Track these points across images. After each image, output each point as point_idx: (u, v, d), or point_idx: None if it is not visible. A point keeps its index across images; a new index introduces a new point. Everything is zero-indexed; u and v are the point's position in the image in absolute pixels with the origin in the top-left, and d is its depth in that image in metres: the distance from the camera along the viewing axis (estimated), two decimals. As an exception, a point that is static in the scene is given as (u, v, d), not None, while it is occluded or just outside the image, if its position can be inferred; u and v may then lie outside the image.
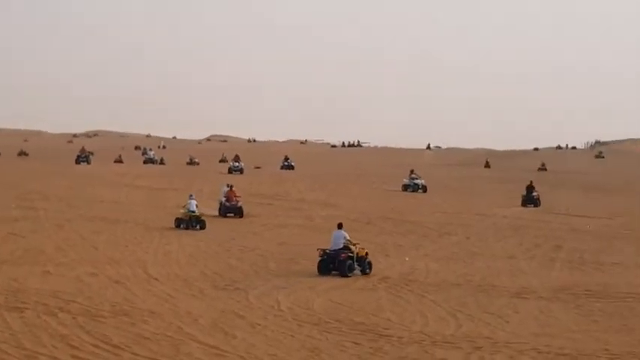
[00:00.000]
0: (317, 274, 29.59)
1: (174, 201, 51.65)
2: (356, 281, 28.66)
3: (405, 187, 67.09)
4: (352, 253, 29.95)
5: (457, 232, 43.71)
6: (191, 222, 41.63)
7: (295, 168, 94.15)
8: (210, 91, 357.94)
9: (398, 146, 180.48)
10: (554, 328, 22.37)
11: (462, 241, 40.62)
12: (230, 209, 47.01)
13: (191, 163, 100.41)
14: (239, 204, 47.40)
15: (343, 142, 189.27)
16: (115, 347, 18.49)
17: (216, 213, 47.07)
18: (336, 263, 29.61)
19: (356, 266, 29.84)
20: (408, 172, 70.97)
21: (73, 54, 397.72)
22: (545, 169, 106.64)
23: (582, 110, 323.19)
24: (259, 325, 21.38)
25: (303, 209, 52.56)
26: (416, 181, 67.52)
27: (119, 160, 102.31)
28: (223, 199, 47.51)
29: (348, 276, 29.05)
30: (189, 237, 38.56)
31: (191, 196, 43.91)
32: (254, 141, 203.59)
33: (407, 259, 34.17)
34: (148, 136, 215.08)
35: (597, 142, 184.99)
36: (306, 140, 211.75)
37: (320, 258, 29.99)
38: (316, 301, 24.62)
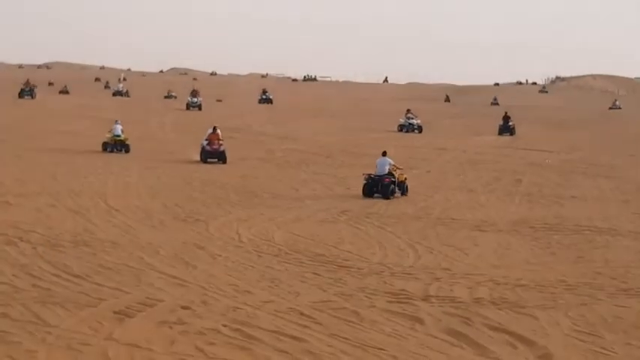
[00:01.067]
0: (361, 196, 32.66)
1: (136, 133, 51.38)
2: (316, 213, 28.78)
3: (401, 127, 64.86)
4: (394, 178, 33.03)
5: (418, 166, 43.91)
6: (116, 146, 44.79)
7: (273, 101, 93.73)
8: (168, 21, 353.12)
9: (357, 81, 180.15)
10: (512, 260, 22.64)
11: (422, 174, 40.84)
12: (211, 154, 42.10)
13: (168, 96, 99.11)
14: (221, 148, 42.27)
15: (304, 76, 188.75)
16: (76, 277, 18.50)
17: (198, 158, 42.51)
18: (380, 187, 32.66)
19: (397, 190, 33.00)
20: (404, 112, 68.54)
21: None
22: (497, 104, 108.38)
23: (546, 47, 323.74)
24: (220, 256, 21.45)
25: (264, 142, 52.52)
26: (411, 121, 65.54)
27: (64, 91, 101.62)
28: (205, 142, 42.52)
29: (389, 198, 32.28)
30: (149, 170, 38.45)
31: (117, 121, 46.51)
32: (215, 74, 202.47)
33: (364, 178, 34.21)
34: (102, 68, 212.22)
35: (558, 78, 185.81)
36: (267, 74, 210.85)
37: (365, 182, 33.10)
38: (277, 233, 24.70)
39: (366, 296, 17.77)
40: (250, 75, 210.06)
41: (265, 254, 21.88)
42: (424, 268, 21.02)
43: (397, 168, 33.80)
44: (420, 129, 64.68)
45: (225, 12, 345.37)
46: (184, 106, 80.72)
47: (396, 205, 31.23)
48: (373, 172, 33.27)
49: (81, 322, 15.28)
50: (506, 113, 68.78)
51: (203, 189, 33.32)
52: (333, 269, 20.37)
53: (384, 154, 34.06)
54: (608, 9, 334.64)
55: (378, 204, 31.20)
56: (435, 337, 15.18)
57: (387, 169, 33.12)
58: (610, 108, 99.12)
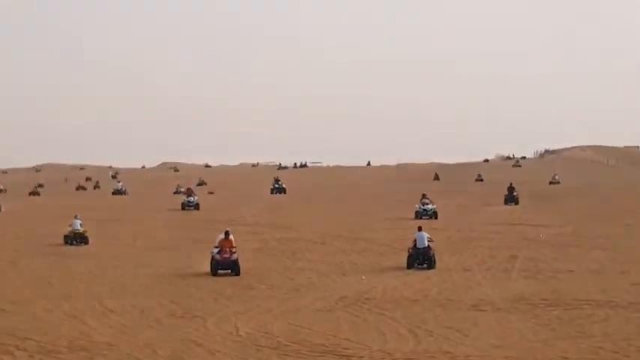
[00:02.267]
0: (405, 268, 35.93)
1: (133, 232, 51.36)
2: (314, 302, 28.65)
3: (417, 214, 59.98)
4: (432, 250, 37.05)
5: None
6: (75, 239, 47.27)
7: (287, 191, 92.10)
8: (151, 117, 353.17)
9: (348, 165, 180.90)
10: (513, 339, 22.51)
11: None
12: (223, 264, 35.52)
13: (177, 192, 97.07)
14: (234, 257, 35.66)
15: (295, 163, 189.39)
16: (73, 383, 18.32)
17: (208, 269, 36.07)
18: (423, 258, 36.53)
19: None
20: (420, 197, 63.92)
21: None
22: (482, 180, 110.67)
23: (531, 121, 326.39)
24: (219, 352, 21.29)
25: (258, 233, 52.45)
26: (426, 207, 60.92)
27: (35, 192, 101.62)
28: (215, 251, 35.95)
29: (434, 268, 36.01)
30: (143, 266, 38.31)
31: (76, 216, 49.09)
32: (210, 167, 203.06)
33: (364, 277, 34.21)
34: (82, 168, 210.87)
35: (547, 151, 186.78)
36: (257, 163, 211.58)
37: (409, 254, 36.83)
38: (275, 325, 24.56)
39: (368, 385, 17.61)
40: (241, 165, 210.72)
41: (264, 347, 21.73)
42: (425, 352, 20.88)
43: (431, 240, 37.55)
44: (434, 215, 59.84)
45: (211, 101, 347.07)
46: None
47: (393, 288, 31.13)
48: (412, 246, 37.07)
49: None
50: (511, 184, 74.45)
51: (198, 284, 33.17)
52: (333, 359, 20.22)
53: (420, 228, 38.28)
54: (595, 80, 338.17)
55: (375, 289, 31.07)
56: None
57: (426, 242, 36.96)
58: (550, 182, 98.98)
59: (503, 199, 72.29)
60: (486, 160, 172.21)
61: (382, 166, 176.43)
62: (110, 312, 27.30)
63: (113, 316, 26.56)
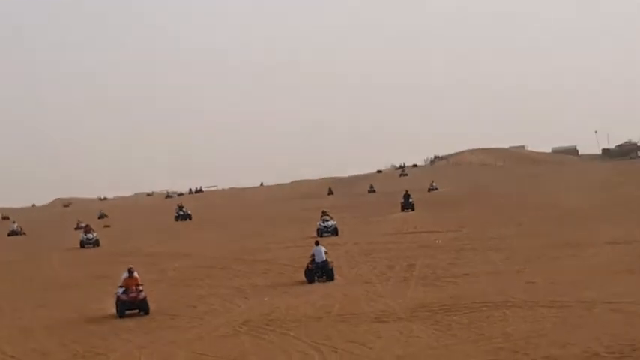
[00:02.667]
0: (306, 283, 36.41)
1: (29, 272, 50.45)
2: (217, 328, 28.62)
3: (319, 232, 58.71)
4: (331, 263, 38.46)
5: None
6: None
7: (192, 216, 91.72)
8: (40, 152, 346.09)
9: (242, 186, 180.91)
10: (416, 347, 22.87)
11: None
12: (130, 304, 33.21)
13: (78, 228, 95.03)
14: (141, 295, 33.42)
15: (190, 189, 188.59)
16: None
17: (111, 305, 34.43)
18: (322, 271, 37.78)
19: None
20: (320, 214, 63.43)
21: None
22: (374, 191, 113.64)
23: (422, 128, 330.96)
24: (125, 388, 21.15)
25: (155, 263, 52.06)
26: (327, 224, 59.99)
27: None
28: (120, 291, 33.68)
29: (333, 280, 37.40)
30: (43, 307, 37.72)
31: None
32: (105, 199, 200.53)
33: (266, 298, 34.29)
34: None
35: (437, 157, 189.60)
36: (152, 192, 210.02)
37: (308, 268, 37.98)
38: (179, 355, 24.49)
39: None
40: (136, 195, 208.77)
41: (170, 379, 21.64)
42: (330, 369, 21.05)
43: (326, 252, 38.72)
44: (335, 231, 58.86)
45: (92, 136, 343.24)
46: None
47: (296, 307, 31.27)
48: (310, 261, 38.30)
49: None
50: (406, 192, 78.39)
51: (99, 320, 32.80)
52: (240, 384, 20.27)
53: (317, 243, 39.88)
54: (479, 86, 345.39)
55: (278, 309, 31.18)
56: None
57: (324, 255, 38.19)
58: (429, 190, 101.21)
59: (397, 207, 73.52)
60: (379, 171, 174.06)
61: (278, 185, 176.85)
62: (11, 358, 26.84)
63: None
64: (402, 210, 75.51)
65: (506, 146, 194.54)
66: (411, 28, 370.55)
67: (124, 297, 33.33)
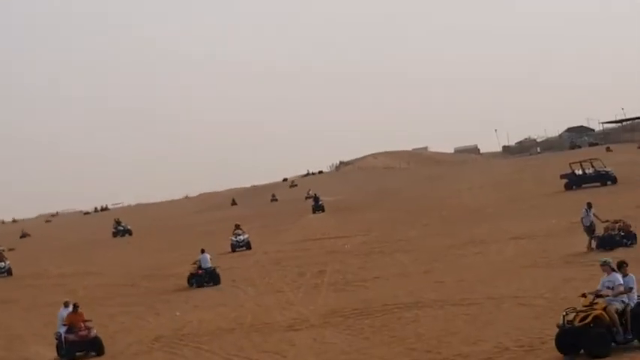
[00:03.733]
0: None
1: None
2: (129, 347, 28.37)
3: (232, 247, 56.13)
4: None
5: (222, 276, 43.93)
6: None
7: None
8: None
9: (148, 202, 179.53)
10: (330, 353, 23.00)
11: (228, 284, 40.90)
12: (80, 345, 28.11)
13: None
14: (92, 332, 28.38)
15: (95, 208, 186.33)
16: None
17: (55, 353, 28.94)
18: (209, 277, 41.19)
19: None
20: (233, 228, 59.61)
21: None
22: (277, 200, 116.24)
23: (325, 132, 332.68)
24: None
25: (64, 284, 51.31)
26: (239, 238, 56.85)
27: None
28: (62, 330, 28.40)
29: (219, 284, 40.81)
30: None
31: None
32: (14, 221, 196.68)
33: (178, 313, 34.11)
34: None
35: (342, 163, 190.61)
36: (57, 212, 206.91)
37: (193, 274, 41.62)
38: (93, 376, 24.23)
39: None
40: (40, 216, 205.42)
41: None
42: (246, 380, 21.07)
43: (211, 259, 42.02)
44: (248, 245, 56.14)
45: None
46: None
47: (208, 321, 31.15)
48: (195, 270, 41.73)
49: None
50: (315, 194, 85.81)
51: (8, 346, 32.18)
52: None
53: (203, 251, 42.66)
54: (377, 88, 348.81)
55: (190, 324, 31.04)
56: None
57: (209, 263, 41.59)
58: (306, 198, 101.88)
59: (301, 215, 74.18)
60: (285, 179, 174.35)
61: (185, 198, 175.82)
62: None
63: None
64: (314, 212, 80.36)
65: (409, 148, 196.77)
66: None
67: (72, 337, 27.99)
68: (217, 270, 41.75)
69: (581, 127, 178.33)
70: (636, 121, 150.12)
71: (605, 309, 18.23)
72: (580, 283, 27.65)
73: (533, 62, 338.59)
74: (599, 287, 19.04)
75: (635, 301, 18.56)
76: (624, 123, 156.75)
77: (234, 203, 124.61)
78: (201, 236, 71.08)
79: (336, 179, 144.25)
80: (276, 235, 63.42)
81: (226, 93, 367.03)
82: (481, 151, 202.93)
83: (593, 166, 68.14)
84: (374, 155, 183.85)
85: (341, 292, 33.82)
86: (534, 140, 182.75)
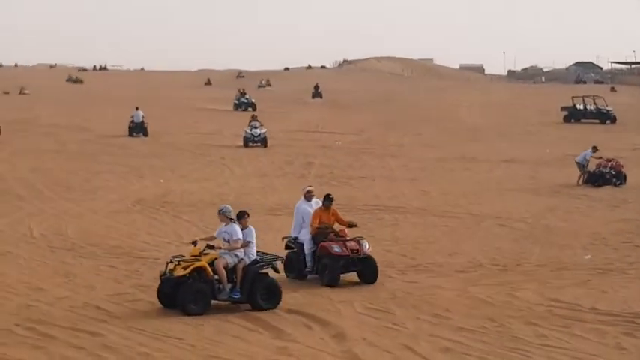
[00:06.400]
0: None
1: None
2: (110, 204, 28.54)
3: (245, 141, 47.72)
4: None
5: (211, 152, 44.04)
6: None
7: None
8: None
9: (152, 69, 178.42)
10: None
11: (216, 161, 40.99)
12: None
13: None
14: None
15: (94, 66, 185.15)
16: None
17: None
18: (139, 128, 50.83)
19: None
20: (249, 119, 51.32)
21: None
22: (270, 85, 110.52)
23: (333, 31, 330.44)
24: (11, 253, 21.01)
25: (55, 134, 51.35)
26: (254, 131, 48.28)
27: None
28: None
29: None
30: None
31: None
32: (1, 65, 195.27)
33: (162, 181, 34.22)
34: None
35: (345, 61, 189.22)
36: (56, 64, 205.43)
37: (130, 127, 50.85)
38: (70, 227, 24.36)
39: (163, 286, 17.77)
40: (38, 65, 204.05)
41: (58, 249, 21.59)
42: (220, 254, 21.17)
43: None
44: (264, 142, 47.86)
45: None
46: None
47: (191, 193, 31.28)
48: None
49: None
50: (317, 84, 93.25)
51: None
52: (128, 261, 20.31)
53: (137, 108, 52.09)
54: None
55: (173, 193, 31.17)
56: (232, 322, 15.40)
57: (141, 118, 50.93)
58: (313, 95, 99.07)
59: (295, 106, 74.00)
60: (287, 69, 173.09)
61: (183, 71, 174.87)
62: None
63: None
64: (313, 97, 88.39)
65: (415, 57, 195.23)
66: None
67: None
68: (145, 125, 51.45)
69: (590, 63, 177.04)
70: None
71: (213, 261, 16.27)
72: (563, 213, 27.81)
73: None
74: (215, 235, 17.00)
75: (252, 258, 16.73)
76: (633, 65, 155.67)
77: (208, 83, 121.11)
78: (196, 111, 70.90)
79: (339, 76, 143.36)
80: (270, 123, 63.10)
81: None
82: (486, 72, 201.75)
83: (595, 103, 67.79)
84: (378, 59, 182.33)
85: (326, 185, 33.79)
86: (541, 69, 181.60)
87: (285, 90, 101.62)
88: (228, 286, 16.26)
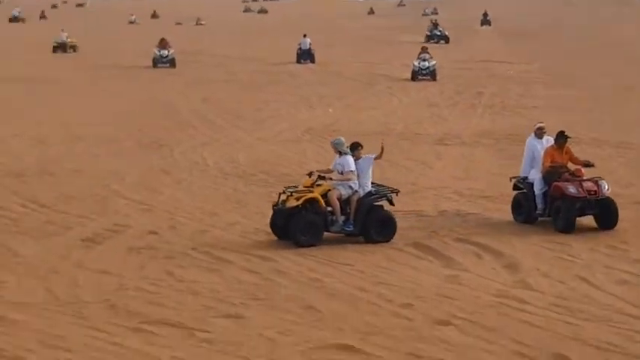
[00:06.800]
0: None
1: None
2: (280, 133, 28.84)
3: (414, 74, 45.17)
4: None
5: (379, 81, 43.90)
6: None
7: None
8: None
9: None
10: (476, 172, 22.89)
11: (384, 90, 40.84)
12: None
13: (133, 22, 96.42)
14: None
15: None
16: (42, 206, 18.52)
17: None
18: (307, 56, 52.82)
19: None
20: (418, 51, 47.99)
21: None
22: (437, 13, 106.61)
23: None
24: (185, 180, 21.53)
25: (226, 65, 52.13)
26: (422, 64, 45.60)
27: None
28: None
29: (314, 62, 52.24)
30: (112, 96, 38.22)
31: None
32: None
33: (330, 110, 34.34)
34: None
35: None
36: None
37: (297, 53, 53.06)
38: (241, 155, 24.76)
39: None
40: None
41: (230, 176, 21.99)
42: (388, 182, 21.13)
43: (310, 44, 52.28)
44: (433, 75, 45.17)
45: None
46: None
47: (358, 122, 31.20)
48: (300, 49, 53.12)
49: (49, 250, 15.35)
50: (485, 11, 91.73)
51: (165, 114, 33.16)
52: (298, 188, 20.44)
53: (305, 35, 53.63)
54: None
55: (340, 122, 31.22)
56: (402, 251, 15.39)
57: (308, 45, 52.61)
58: (482, 23, 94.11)
59: (463, 35, 72.36)
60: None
61: (352, 1, 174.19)
62: (78, 139, 27.34)
63: (81, 144, 26.63)
64: (481, 25, 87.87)
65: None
66: None
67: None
68: (312, 51, 53.08)
69: None
70: None
71: (327, 193, 16.00)
72: None
73: None
74: (331, 167, 16.58)
75: (367, 190, 16.35)
76: None
77: (371, 12, 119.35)
78: (365, 41, 70.70)
79: (506, 0, 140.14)
80: (438, 51, 62.33)
81: None
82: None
83: None
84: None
85: (497, 115, 33.32)
86: None
87: (453, 18, 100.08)
88: (342, 218, 16.02)
